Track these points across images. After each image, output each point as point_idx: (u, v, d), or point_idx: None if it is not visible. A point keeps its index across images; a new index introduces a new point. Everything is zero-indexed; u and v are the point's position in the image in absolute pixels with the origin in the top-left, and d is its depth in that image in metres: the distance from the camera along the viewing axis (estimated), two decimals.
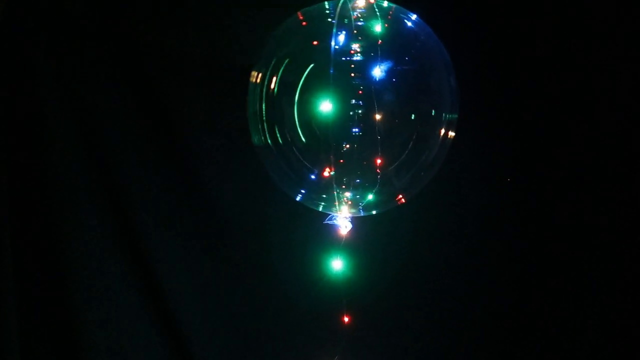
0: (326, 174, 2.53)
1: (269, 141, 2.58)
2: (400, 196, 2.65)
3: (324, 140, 2.49)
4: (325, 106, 2.44)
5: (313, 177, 2.57)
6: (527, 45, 3.62)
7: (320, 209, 2.73)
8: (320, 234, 2.83)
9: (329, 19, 2.50)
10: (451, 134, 2.63)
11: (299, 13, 2.62)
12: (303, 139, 2.53)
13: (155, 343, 3.64)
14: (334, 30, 2.47)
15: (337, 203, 2.63)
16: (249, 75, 2.66)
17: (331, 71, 2.44)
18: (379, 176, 2.53)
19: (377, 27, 2.49)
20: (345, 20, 2.52)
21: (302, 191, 2.65)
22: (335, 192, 2.58)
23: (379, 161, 2.50)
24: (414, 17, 2.62)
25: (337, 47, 2.47)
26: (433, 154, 2.62)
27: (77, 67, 3.50)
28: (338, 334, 3.22)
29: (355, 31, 2.46)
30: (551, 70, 3.62)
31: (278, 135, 2.56)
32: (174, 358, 3.66)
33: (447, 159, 2.67)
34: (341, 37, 2.46)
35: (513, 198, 3.71)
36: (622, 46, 3.57)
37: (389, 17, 2.54)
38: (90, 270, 3.57)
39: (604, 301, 3.67)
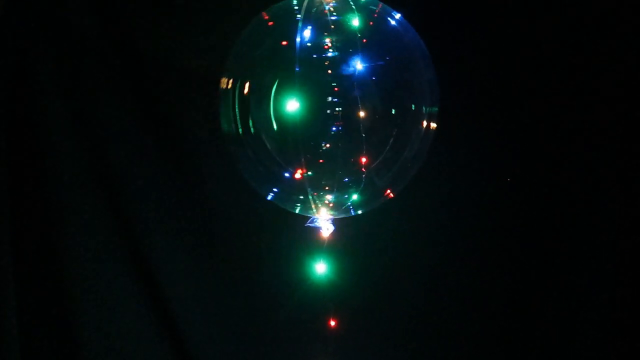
0: (298, 175, 2.49)
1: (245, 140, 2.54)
2: (389, 191, 2.61)
3: (293, 142, 2.45)
4: (292, 105, 2.39)
5: (287, 175, 2.54)
6: (527, 44, 3.60)
7: (297, 210, 2.68)
8: (304, 236, 2.81)
9: (297, 16, 2.45)
10: (433, 125, 2.59)
11: (263, 13, 2.57)
12: (275, 141, 2.50)
13: (155, 343, 3.64)
14: (300, 25, 2.42)
15: (313, 206, 2.59)
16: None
17: (297, 69, 2.39)
18: (363, 175, 2.49)
19: (355, 22, 2.43)
20: (314, 9, 2.47)
21: (275, 190, 2.62)
22: (310, 195, 2.54)
23: (363, 159, 2.47)
24: (397, 16, 2.60)
25: (308, 44, 2.42)
26: (416, 148, 2.57)
27: (77, 68, 3.50)
28: (324, 336, 3.22)
29: (332, 26, 2.41)
30: (551, 68, 3.60)
31: (252, 128, 2.52)
32: (173, 358, 3.66)
33: (439, 158, 2.69)
34: (306, 33, 2.41)
35: (500, 197, 3.71)
36: (621, 42, 3.56)
37: (375, 14, 2.51)
38: (90, 270, 3.56)
39: (604, 301, 3.66)
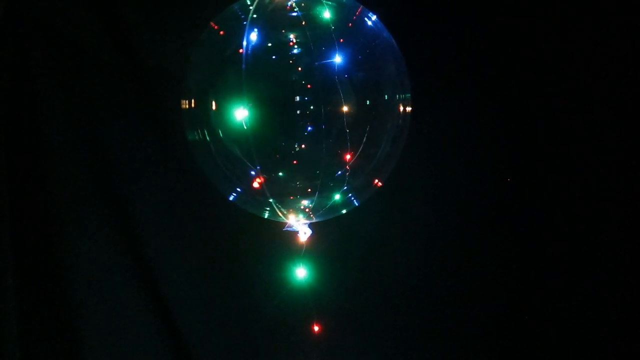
0: (256, 184, 2.44)
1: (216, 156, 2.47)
2: (376, 180, 2.56)
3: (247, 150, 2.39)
4: (240, 113, 2.32)
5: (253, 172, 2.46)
6: (527, 45, 3.59)
7: (266, 215, 2.63)
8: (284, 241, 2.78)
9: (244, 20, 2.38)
10: (408, 109, 2.55)
11: (211, 23, 2.49)
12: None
13: (155, 343, 3.63)
14: (247, 26, 2.35)
15: (280, 213, 2.56)
16: None
17: (243, 66, 2.32)
18: (347, 172, 2.44)
19: (326, 14, 2.37)
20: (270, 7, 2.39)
21: (238, 189, 2.56)
22: (272, 201, 2.49)
23: (348, 156, 2.41)
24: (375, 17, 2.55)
25: (269, 44, 2.35)
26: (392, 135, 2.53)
27: (78, 68, 3.48)
28: (307, 340, 3.25)
29: (304, 22, 2.32)
30: (552, 69, 3.59)
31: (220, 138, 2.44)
32: (173, 358, 3.66)
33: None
34: (253, 36, 2.34)
35: (496, 197, 3.70)
36: (619, 41, 3.55)
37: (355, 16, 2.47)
38: (90, 270, 3.55)
39: (603, 301, 3.67)
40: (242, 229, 3.58)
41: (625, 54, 3.52)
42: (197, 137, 2.50)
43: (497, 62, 3.60)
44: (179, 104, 2.72)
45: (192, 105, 2.47)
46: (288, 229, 2.65)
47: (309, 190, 2.47)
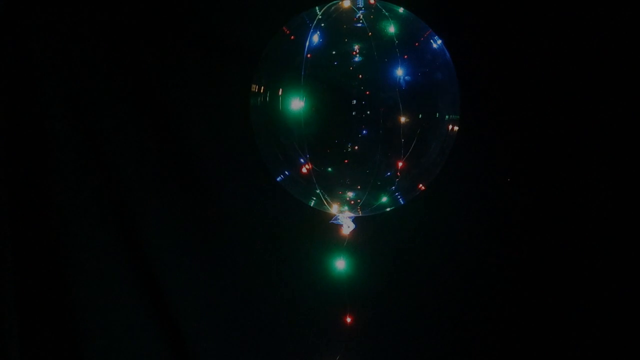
0: (305, 170, 2.60)
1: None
2: (420, 185, 2.73)
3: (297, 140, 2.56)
4: (297, 104, 2.52)
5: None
6: (529, 45, 3.66)
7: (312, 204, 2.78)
8: (325, 234, 2.89)
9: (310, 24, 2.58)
10: (455, 128, 2.72)
11: (284, 28, 2.68)
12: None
13: (155, 343, 3.67)
14: (310, 31, 2.55)
15: (326, 203, 2.69)
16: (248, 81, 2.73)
17: (302, 73, 2.51)
18: (397, 179, 2.61)
19: (391, 29, 2.57)
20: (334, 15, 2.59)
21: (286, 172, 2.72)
22: (318, 190, 2.64)
23: (400, 164, 2.58)
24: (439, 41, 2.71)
25: (333, 52, 2.55)
26: (437, 151, 2.70)
27: (78, 67, 3.53)
28: (341, 334, 3.23)
29: (370, 33, 2.53)
30: (552, 69, 3.65)
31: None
32: (174, 358, 3.68)
33: (454, 158, 2.75)
34: (315, 37, 2.54)
35: (520, 198, 3.74)
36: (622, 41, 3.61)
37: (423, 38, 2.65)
38: (90, 270, 3.59)
39: (604, 301, 3.69)
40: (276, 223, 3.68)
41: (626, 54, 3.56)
42: (258, 120, 2.70)
43: (500, 62, 3.65)
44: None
45: (259, 91, 2.66)
46: (334, 222, 2.78)
47: (359, 187, 2.64)
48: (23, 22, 3.44)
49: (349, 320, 3.13)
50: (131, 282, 3.63)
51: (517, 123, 3.70)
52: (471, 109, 2.84)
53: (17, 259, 3.49)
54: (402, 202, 2.75)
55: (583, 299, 3.71)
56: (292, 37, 2.62)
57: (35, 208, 3.53)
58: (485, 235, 3.75)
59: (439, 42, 2.69)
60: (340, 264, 2.93)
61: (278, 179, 2.74)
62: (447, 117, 2.68)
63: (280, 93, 2.57)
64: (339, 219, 2.78)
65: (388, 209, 2.76)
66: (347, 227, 2.80)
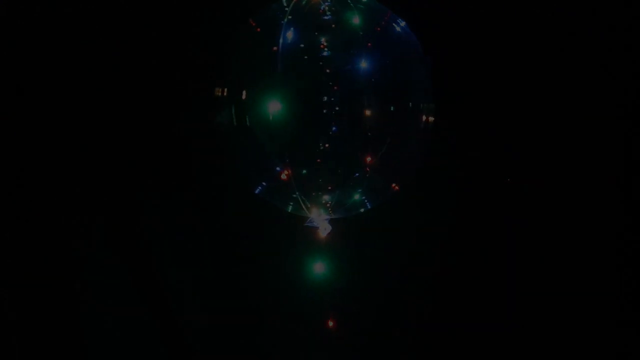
0: (284, 176, 2.51)
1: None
2: (394, 184, 2.63)
3: (275, 144, 2.48)
4: (271, 107, 2.41)
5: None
6: (527, 44, 3.62)
7: (290, 209, 2.69)
8: (304, 237, 2.80)
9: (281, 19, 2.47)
10: (430, 119, 2.60)
11: (250, 20, 2.58)
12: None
13: (155, 343, 3.67)
14: (283, 27, 2.44)
15: (305, 207, 2.62)
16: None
17: (279, 69, 2.41)
18: (367, 174, 2.50)
19: (355, 19, 2.45)
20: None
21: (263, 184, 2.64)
22: (297, 195, 2.56)
23: (368, 158, 2.48)
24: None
25: (301, 45, 2.44)
26: (414, 143, 2.60)
27: (78, 67, 3.52)
28: (322, 335, 3.25)
29: (333, 25, 2.43)
30: (552, 70, 3.62)
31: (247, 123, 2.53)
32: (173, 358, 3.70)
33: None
34: (290, 34, 2.42)
35: (510, 197, 3.73)
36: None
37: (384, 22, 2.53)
38: (90, 270, 3.60)
39: (604, 301, 3.68)
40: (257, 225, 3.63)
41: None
42: (227, 128, 2.56)
43: (497, 62, 3.61)
44: (212, 92, 2.82)
45: (225, 94, 2.55)
46: (309, 224, 2.69)
47: (330, 187, 2.54)
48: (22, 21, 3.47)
49: (330, 323, 3.13)
50: (133, 283, 3.65)
51: (498, 114, 3.66)
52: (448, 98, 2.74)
53: (17, 259, 3.51)
54: (369, 206, 2.66)
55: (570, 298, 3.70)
56: (259, 29, 2.53)
57: (35, 208, 3.54)
58: (464, 235, 3.74)
59: (403, 24, 2.59)
60: (319, 267, 2.87)
61: (257, 191, 2.66)
62: (421, 105, 2.57)
63: (249, 96, 2.47)
64: (314, 221, 2.70)
65: (362, 210, 2.67)
66: (323, 229, 2.72)
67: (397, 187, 2.63)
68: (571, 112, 3.61)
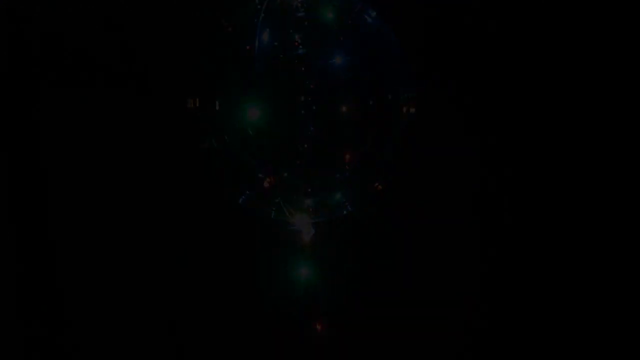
0: (267, 184, 2.47)
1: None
2: (377, 183, 2.58)
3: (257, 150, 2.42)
4: (253, 113, 2.34)
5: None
6: (527, 44, 3.58)
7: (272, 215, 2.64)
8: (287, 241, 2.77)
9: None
10: (411, 110, 2.55)
11: (222, 21, 2.51)
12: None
13: (154, 343, 3.67)
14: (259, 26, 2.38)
15: (287, 212, 2.57)
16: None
17: (257, 70, 2.35)
18: (346, 172, 2.45)
19: (329, 14, 2.40)
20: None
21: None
22: (279, 200, 2.52)
23: (347, 156, 2.43)
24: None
25: (275, 43, 2.37)
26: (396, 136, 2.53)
27: (78, 67, 3.51)
28: (308, 339, 3.16)
29: (306, 22, 2.36)
30: (552, 69, 3.58)
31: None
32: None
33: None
34: (265, 36, 2.36)
35: (504, 197, 3.70)
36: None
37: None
38: (90, 270, 3.59)
39: (604, 301, 3.65)
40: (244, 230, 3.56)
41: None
42: (204, 138, 2.51)
43: (495, 60, 3.58)
44: (184, 102, 2.80)
45: (198, 104, 2.49)
46: (292, 227, 2.66)
47: (309, 190, 2.49)
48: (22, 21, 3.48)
49: (318, 327, 3.06)
50: (129, 283, 3.64)
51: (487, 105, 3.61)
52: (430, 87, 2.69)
53: (17, 259, 3.53)
54: (357, 204, 2.60)
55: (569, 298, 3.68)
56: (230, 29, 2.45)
57: (35, 208, 3.57)
58: (454, 235, 3.69)
59: (373, 14, 2.53)
60: (304, 271, 2.82)
61: (240, 201, 2.60)
62: (400, 97, 2.50)
63: (225, 103, 2.39)
64: (297, 225, 2.66)
65: (345, 212, 2.62)
66: (306, 233, 2.70)
67: (380, 187, 2.58)
68: (571, 112, 3.60)
